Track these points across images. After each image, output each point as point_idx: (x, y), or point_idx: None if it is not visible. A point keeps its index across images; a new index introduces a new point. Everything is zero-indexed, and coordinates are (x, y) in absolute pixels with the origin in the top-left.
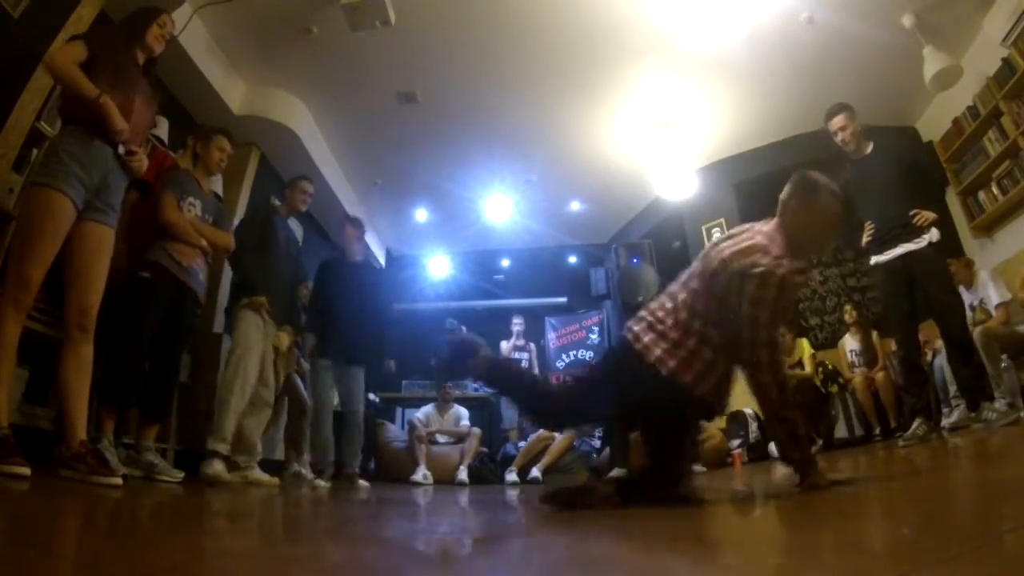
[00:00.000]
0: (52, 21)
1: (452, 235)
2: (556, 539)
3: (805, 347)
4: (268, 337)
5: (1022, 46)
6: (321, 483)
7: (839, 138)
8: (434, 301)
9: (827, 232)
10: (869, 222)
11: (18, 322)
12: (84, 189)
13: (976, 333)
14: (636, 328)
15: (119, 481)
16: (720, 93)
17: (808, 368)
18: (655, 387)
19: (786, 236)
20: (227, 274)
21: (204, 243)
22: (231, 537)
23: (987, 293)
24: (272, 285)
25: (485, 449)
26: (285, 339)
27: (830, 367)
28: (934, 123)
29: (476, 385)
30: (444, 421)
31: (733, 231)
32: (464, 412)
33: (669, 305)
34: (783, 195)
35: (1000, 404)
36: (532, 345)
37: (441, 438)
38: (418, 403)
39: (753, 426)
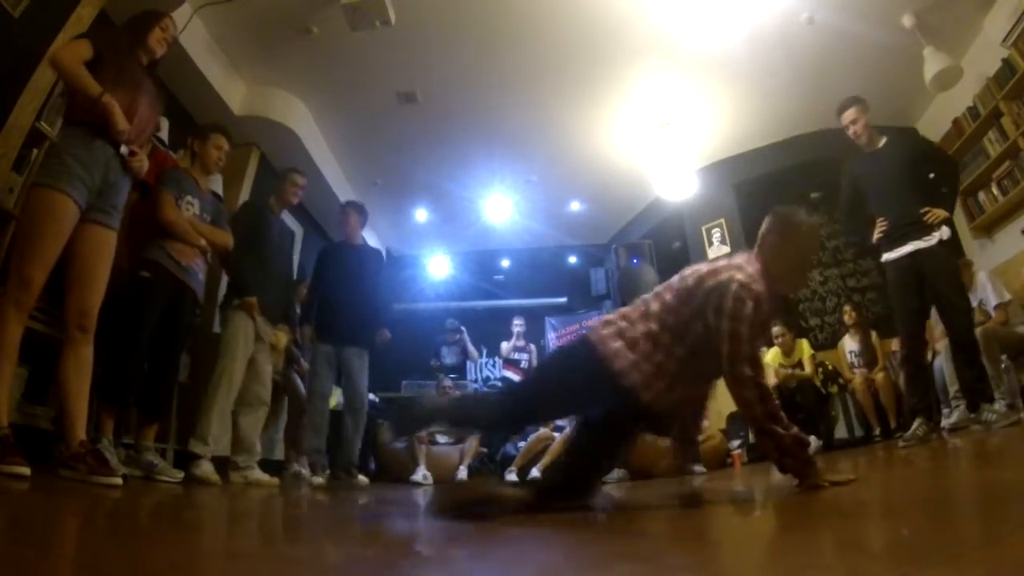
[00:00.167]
0: (52, 21)
1: (452, 235)
2: (556, 539)
3: (805, 347)
4: (263, 335)
5: (1022, 47)
6: (318, 479)
7: (851, 131)
8: (434, 301)
9: (802, 268)
10: (881, 219)
11: (20, 323)
12: (86, 190)
13: (976, 334)
14: (604, 332)
15: (119, 481)
16: (720, 93)
17: (808, 369)
18: (612, 392)
19: (763, 266)
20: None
21: (203, 242)
22: (231, 537)
23: (986, 294)
24: (267, 282)
25: (485, 449)
26: (283, 338)
27: (830, 368)
28: (934, 124)
29: (476, 385)
30: None
31: (710, 260)
32: None
33: (638, 314)
34: (762, 229)
35: (1000, 405)
36: (532, 346)
37: (441, 438)
38: None
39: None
